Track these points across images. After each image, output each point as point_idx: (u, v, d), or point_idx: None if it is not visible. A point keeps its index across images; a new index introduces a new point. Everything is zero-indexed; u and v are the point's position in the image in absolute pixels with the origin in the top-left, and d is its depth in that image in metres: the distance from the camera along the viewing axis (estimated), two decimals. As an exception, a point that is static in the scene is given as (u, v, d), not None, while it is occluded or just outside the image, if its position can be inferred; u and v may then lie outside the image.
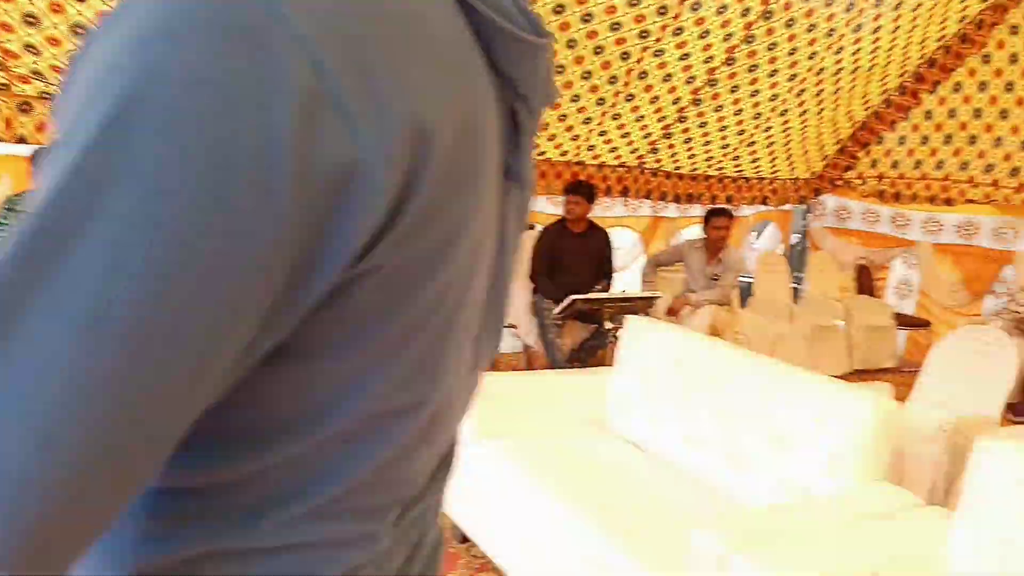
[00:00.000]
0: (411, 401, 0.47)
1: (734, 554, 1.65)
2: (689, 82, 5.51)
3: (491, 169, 0.47)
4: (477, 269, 0.49)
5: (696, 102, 5.76)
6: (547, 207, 6.16)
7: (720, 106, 5.88)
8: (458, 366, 0.51)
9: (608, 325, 4.11)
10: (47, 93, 4.14)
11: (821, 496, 1.99)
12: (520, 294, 4.87)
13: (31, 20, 3.67)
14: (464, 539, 2.77)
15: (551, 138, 5.62)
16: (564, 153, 5.87)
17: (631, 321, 3.00)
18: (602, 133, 5.81)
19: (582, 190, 4.61)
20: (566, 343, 4.49)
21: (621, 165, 6.21)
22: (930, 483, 2.80)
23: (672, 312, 4.90)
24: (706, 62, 5.34)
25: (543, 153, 5.74)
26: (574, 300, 4.10)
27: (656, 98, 5.60)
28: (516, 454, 2.59)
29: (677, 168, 6.46)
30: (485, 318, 0.54)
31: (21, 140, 4.16)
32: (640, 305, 4.25)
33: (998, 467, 1.71)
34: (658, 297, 4.44)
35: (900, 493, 2.01)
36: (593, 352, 4.61)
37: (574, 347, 4.62)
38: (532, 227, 6.11)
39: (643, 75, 5.34)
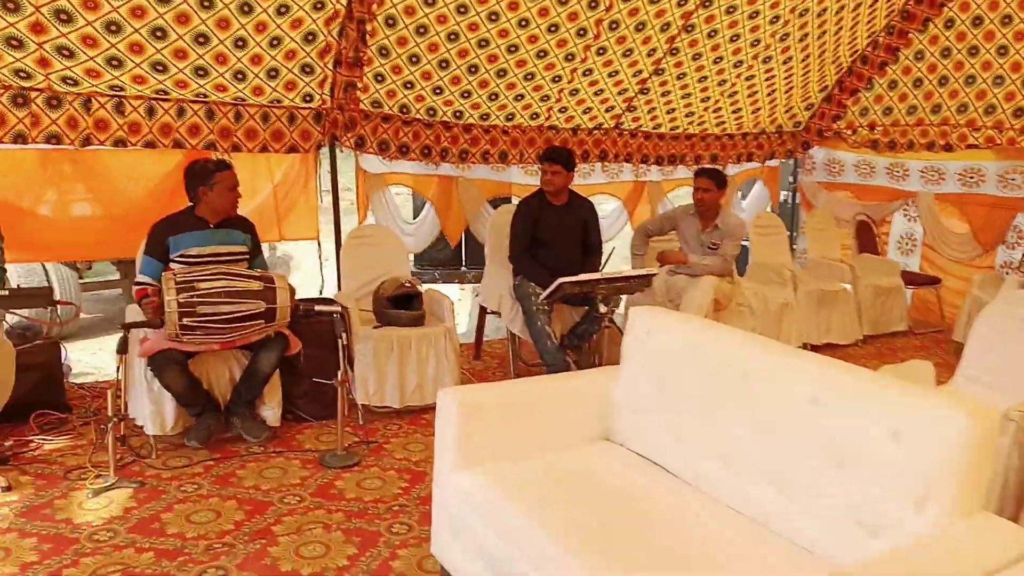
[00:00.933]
0: None
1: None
2: (664, 29, 4.98)
3: None
4: None
5: (673, 51, 5.25)
6: (521, 177, 5.64)
7: (698, 53, 5.36)
8: None
9: (602, 309, 3.62)
10: None
11: (920, 543, 1.53)
12: (500, 277, 4.37)
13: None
14: (454, 588, 2.30)
15: (519, 98, 5.07)
16: (535, 116, 5.33)
17: (639, 311, 2.51)
18: (574, 92, 5.27)
19: (560, 157, 4.08)
20: (556, 329, 4.00)
21: (597, 127, 5.70)
22: (999, 485, 2.38)
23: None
24: (680, 4, 4.83)
25: (512, 117, 5.20)
26: (562, 283, 3.61)
27: (630, 51, 5.07)
28: (507, 483, 2.11)
29: (657, 127, 5.96)
30: None
31: None
32: (636, 284, 3.77)
33: None
34: (654, 275, 3.94)
35: (1014, 530, 1.57)
36: (586, 338, 4.14)
37: (564, 332, 4.14)
38: (508, 200, 5.60)
39: (614, 25, 4.80)
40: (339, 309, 3.21)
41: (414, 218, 5.64)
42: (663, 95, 5.68)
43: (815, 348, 4.97)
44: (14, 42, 3.39)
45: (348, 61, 4.31)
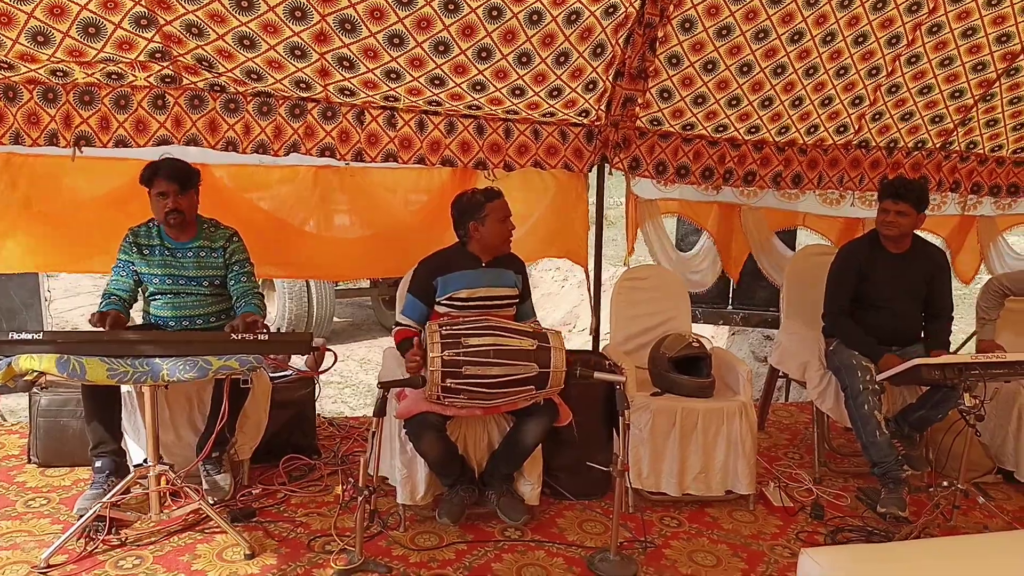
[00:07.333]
0: None
1: None
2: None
3: None
4: None
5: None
6: (817, 207, 4.73)
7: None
8: None
9: (968, 401, 2.66)
10: (218, 85, 3.39)
11: None
12: (803, 337, 3.53)
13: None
14: None
15: (825, 102, 4.13)
16: (841, 130, 4.36)
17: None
18: (894, 89, 4.21)
19: (911, 193, 3.12)
20: (885, 412, 3.11)
21: (918, 146, 4.60)
22: None
23: None
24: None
25: (814, 130, 4.28)
26: (919, 367, 2.72)
27: (977, 48, 3.95)
28: None
29: (997, 148, 4.72)
30: None
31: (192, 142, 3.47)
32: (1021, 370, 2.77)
33: None
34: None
35: None
36: (925, 426, 3.21)
37: (891, 415, 3.21)
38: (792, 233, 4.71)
39: (964, 16, 3.75)
40: (624, 379, 2.60)
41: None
42: (1011, 102, 4.44)
43: None
44: (297, 52, 3.17)
45: (631, 72, 3.71)
